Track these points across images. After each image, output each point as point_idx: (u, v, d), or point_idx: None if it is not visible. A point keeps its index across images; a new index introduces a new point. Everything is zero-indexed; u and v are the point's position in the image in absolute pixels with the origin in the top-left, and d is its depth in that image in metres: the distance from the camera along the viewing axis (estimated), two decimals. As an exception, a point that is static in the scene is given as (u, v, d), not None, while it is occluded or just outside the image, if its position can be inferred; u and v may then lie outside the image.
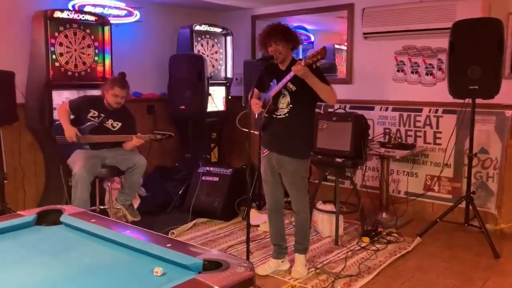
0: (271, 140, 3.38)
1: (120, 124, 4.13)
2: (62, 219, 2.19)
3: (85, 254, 1.87)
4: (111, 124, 4.11)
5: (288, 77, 3.10)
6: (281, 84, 3.16)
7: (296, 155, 3.30)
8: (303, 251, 3.50)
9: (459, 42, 3.97)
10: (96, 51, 4.70)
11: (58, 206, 2.32)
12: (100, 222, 2.12)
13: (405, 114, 4.91)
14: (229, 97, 5.96)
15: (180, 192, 5.07)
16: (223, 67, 5.99)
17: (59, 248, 1.94)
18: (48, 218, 2.21)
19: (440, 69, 4.68)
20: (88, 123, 4.04)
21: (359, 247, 3.99)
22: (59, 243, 2.00)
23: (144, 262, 1.75)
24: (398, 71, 4.93)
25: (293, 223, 4.34)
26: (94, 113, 4.07)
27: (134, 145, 4.06)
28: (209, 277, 1.51)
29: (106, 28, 4.72)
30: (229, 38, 5.96)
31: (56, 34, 4.36)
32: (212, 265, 1.63)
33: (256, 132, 3.61)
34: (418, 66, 4.81)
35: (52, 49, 4.33)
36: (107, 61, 4.77)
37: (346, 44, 5.47)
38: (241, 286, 1.51)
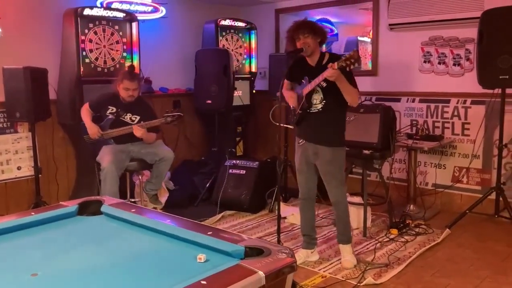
0: (307, 131, 3.41)
1: (138, 117, 4.17)
2: (103, 209, 2.27)
3: (128, 242, 1.94)
4: (130, 118, 4.17)
5: (320, 77, 3.15)
6: (313, 83, 3.21)
7: (333, 144, 3.34)
8: (347, 241, 3.51)
9: (488, 31, 3.93)
10: (125, 47, 4.78)
11: (99, 197, 2.40)
12: (140, 212, 2.19)
13: (432, 106, 4.87)
14: (254, 91, 6.00)
15: (207, 185, 5.14)
16: (248, 61, 6.02)
17: (103, 237, 2.01)
18: (89, 209, 2.30)
19: (468, 59, 4.62)
20: (106, 119, 4.15)
21: (387, 239, 3.99)
22: (102, 232, 2.08)
23: (186, 249, 1.81)
24: (424, 62, 4.89)
25: (320, 215, 4.39)
26: (112, 109, 4.15)
27: (139, 135, 4.01)
28: (253, 262, 1.56)
29: (134, 25, 4.79)
30: (253, 32, 5.99)
31: (86, 31, 4.46)
32: (253, 252, 1.68)
33: (289, 126, 3.65)
34: (446, 56, 4.76)
35: (82, 45, 4.43)
36: (135, 58, 4.84)
37: (369, 36, 5.45)
38: (284, 272, 1.56)
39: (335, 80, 3.10)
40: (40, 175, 4.34)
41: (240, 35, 5.92)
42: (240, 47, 5.92)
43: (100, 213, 2.27)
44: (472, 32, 4.34)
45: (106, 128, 4.13)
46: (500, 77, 3.89)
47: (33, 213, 2.16)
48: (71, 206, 2.26)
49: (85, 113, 4.15)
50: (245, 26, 5.92)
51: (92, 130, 4.07)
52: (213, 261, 1.66)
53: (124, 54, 4.80)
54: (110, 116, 4.14)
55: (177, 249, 1.83)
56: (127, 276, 1.60)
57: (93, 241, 1.95)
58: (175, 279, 1.53)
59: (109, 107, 4.15)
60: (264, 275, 1.47)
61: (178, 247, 1.85)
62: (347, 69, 3.08)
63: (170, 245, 1.87)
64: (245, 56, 5.99)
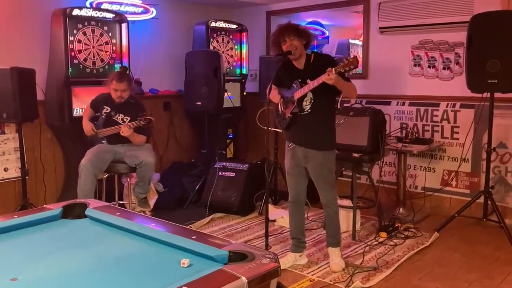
0: (296, 135, 3.40)
1: (129, 118, 4.19)
2: (87, 212, 2.24)
3: (112, 246, 1.91)
4: (122, 119, 4.20)
5: (315, 82, 3.13)
6: (307, 88, 3.20)
7: (323, 147, 3.33)
8: (336, 244, 3.51)
9: (477, 35, 3.94)
10: (114, 47, 4.75)
11: (83, 200, 2.37)
12: (124, 215, 2.16)
13: (422, 109, 4.88)
14: (244, 93, 5.98)
15: (196, 188, 5.11)
16: (238, 63, 6.01)
17: (86, 241, 1.98)
18: (73, 212, 2.27)
19: (457, 63, 4.64)
20: (100, 118, 4.21)
21: (376, 242, 3.99)
22: (86, 236, 2.05)
23: (170, 254, 1.78)
24: (414, 65, 4.90)
25: (310, 218, 4.37)
26: (107, 109, 4.21)
27: (126, 136, 4.04)
28: (236, 268, 1.54)
29: (124, 25, 4.76)
30: (244, 34, 5.98)
31: (75, 31, 4.42)
32: (237, 257, 1.66)
33: (278, 130, 3.64)
34: (435, 60, 4.78)
35: (71, 46, 4.39)
36: (125, 59, 4.81)
37: (360, 39, 5.45)
38: (268, 277, 1.54)
39: (333, 84, 3.08)
40: (27, 177, 4.29)
41: (231, 36, 5.90)
42: (231, 49, 5.91)
43: (85, 216, 2.24)
44: (461, 36, 4.35)
45: (100, 127, 4.20)
46: (489, 81, 3.90)
47: (15, 216, 2.13)
48: (55, 209, 2.23)
49: (85, 111, 4.29)
50: (236, 28, 5.90)
51: (86, 127, 4.19)
52: (196, 266, 1.65)
53: (114, 55, 4.76)
54: (103, 116, 4.18)
55: (160, 254, 1.81)
56: (109, 281, 1.58)
57: (76, 245, 1.92)
58: (158, 284, 1.51)
59: (105, 106, 4.22)
60: (246, 280, 1.46)
61: (162, 251, 1.83)
62: (346, 74, 3.09)
63: (153, 249, 1.85)
64: (236, 59, 5.97)
